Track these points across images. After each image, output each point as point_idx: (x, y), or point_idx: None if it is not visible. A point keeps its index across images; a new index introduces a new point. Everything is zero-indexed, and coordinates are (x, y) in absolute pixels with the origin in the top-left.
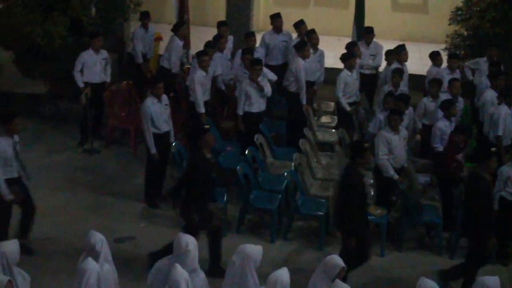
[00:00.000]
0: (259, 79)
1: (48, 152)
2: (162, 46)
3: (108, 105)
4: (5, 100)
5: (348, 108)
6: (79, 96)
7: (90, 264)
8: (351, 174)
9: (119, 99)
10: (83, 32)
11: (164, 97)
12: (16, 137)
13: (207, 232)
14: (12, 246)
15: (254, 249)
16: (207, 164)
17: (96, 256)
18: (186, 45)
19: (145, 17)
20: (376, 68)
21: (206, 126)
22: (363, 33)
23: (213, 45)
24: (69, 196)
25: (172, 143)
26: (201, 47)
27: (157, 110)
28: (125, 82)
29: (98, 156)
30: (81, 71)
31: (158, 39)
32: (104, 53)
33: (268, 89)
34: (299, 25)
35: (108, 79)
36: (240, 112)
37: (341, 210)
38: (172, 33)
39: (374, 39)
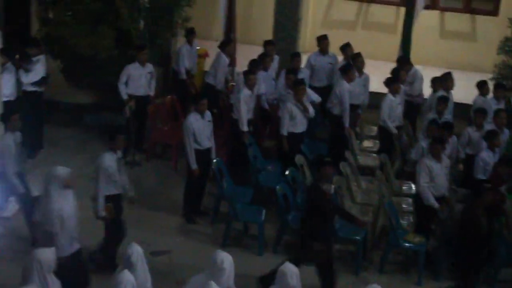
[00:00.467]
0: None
1: (90, 161)
2: (208, 63)
3: (152, 118)
4: (51, 108)
5: (395, 131)
6: (123, 108)
7: (126, 275)
8: (471, 211)
9: (163, 113)
10: (131, 44)
11: (207, 113)
12: (119, 153)
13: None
14: (47, 254)
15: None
16: (323, 196)
17: (131, 268)
18: (232, 63)
19: (190, 33)
20: (412, 95)
21: (327, 159)
22: (402, 63)
23: (258, 64)
24: None
25: (213, 160)
26: (246, 65)
27: (200, 126)
28: (169, 96)
29: (139, 169)
30: (126, 83)
31: (204, 55)
32: (149, 67)
33: (311, 110)
34: (345, 48)
35: (152, 93)
36: (285, 133)
37: (463, 247)
38: (219, 50)
39: (418, 67)
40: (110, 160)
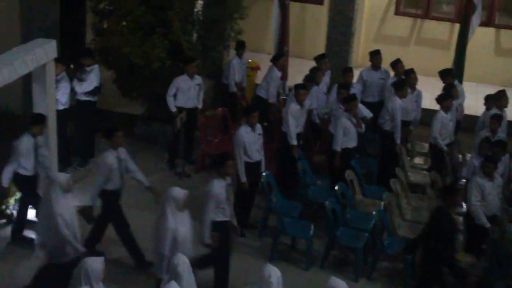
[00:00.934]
0: None
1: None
2: (259, 76)
3: (202, 130)
4: (103, 118)
5: (445, 149)
6: (173, 119)
7: (173, 287)
8: None
9: (213, 125)
10: (182, 56)
11: (258, 126)
12: (228, 179)
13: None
14: (95, 263)
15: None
16: (452, 223)
17: (177, 278)
18: (284, 77)
19: (240, 46)
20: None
21: (458, 186)
22: (443, 76)
23: (313, 80)
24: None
25: (263, 173)
26: (297, 79)
27: (250, 139)
28: (220, 108)
29: (188, 180)
30: (174, 96)
31: (256, 68)
32: (198, 79)
33: (363, 126)
34: (396, 64)
35: (200, 105)
36: (338, 148)
37: None
38: (271, 64)
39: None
40: (219, 187)
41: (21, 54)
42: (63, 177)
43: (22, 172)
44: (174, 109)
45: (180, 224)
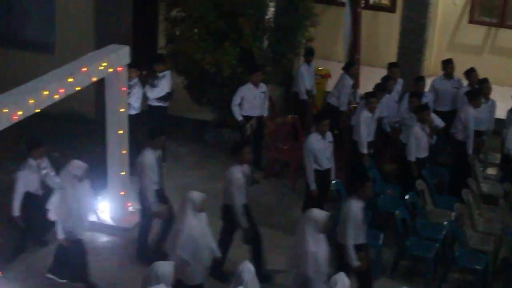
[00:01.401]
0: None
1: (209, 178)
2: (329, 83)
3: (272, 137)
4: (174, 123)
5: None
6: (242, 127)
7: None
8: None
9: (283, 133)
10: (252, 63)
11: (329, 134)
12: (361, 203)
13: None
14: (166, 267)
15: None
16: None
17: (242, 285)
18: (355, 85)
19: (309, 53)
20: None
21: None
22: None
23: (384, 88)
24: None
25: (332, 181)
26: (369, 87)
27: (320, 147)
28: (290, 116)
29: (257, 186)
30: (239, 105)
31: (326, 76)
32: (263, 87)
33: (434, 136)
34: (470, 73)
35: (265, 113)
36: (412, 158)
37: None
38: (343, 72)
39: None
40: (357, 208)
41: (95, 59)
42: (197, 196)
43: (154, 187)
44: (240, 118)
45: (320, 247)
